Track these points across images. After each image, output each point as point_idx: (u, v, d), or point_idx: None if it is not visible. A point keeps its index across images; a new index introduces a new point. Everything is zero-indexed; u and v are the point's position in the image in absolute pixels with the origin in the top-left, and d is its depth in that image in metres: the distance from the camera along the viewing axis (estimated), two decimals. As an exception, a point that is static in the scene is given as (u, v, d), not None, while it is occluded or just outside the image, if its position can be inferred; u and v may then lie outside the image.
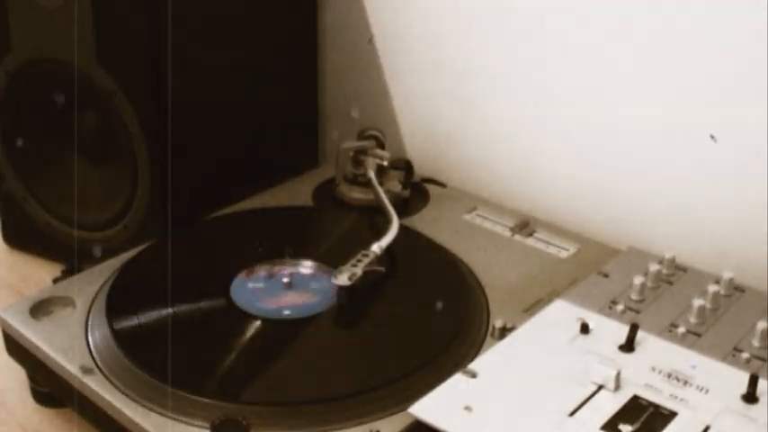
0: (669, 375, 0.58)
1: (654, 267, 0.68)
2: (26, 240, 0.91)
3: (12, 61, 0.82)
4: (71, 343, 0.65)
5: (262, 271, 0.73)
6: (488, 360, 0.60)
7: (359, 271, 0.68)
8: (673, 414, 0.55)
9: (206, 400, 0.58)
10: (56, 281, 0.74)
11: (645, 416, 0.54)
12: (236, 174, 0.88)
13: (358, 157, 0.86)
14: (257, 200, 0.86)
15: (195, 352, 0.64)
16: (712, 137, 0.73)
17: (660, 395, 0.56)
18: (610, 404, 0.55)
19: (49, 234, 0.88)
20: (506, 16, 0.84)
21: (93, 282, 0.72)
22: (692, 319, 0.64)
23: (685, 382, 0.57)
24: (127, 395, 0.60)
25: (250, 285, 0.71)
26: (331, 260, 0.73)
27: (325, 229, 0.82)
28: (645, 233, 0.80)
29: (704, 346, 0.61)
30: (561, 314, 0.65)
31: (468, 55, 0.88)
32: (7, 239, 0.93)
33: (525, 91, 0.85)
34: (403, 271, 0.74)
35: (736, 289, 0.68)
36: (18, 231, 0.91)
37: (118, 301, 0.68)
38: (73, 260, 0.77)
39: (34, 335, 0.66)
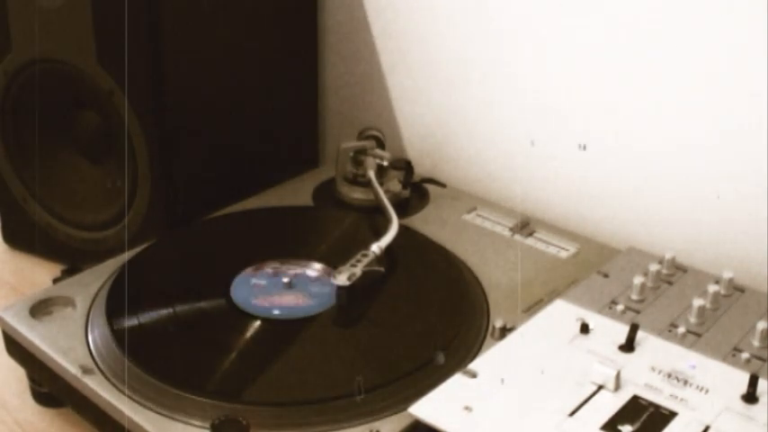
0: (669, 375, 0.58)
1: (654, 267, 0.68)
2: (26, 240, 0.91)
3: (12, 61, 0.82)
4: (71, 343, 0.65)
5: (268, 268, 0.73)
6: (488, 360, 0.60)
7: (358, 271, 0.68)
8: (673, 414, 0.55)
9: (206, 400, 0.58)
10: (56, 281, 0.74)
11: (645, 416, 0.54)
12: (237, 174, 0.88)
13: (358, 157, 0.86)
14: (257, 200, 0.86)
15: (195, 352, 0.64)
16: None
17: (660, 395, 0.56)
18: (610, 404, 0.55)
19: (49, 234, 0.88)
20: (507, 17, 0.84)
21: (93, 282, 0.72)
22: (692, 319, 0.64)
23: (685, 382, 0.57)
24: (127, 395, 0.60)
25: (253, 281, 0.71)
26: (331, 260, 0.73)
27: (326, 229, 0.82)
28: (645, 233, 0.80)
29: (704, 346, 0.61)
30: (561, 314, 0.65)
31: (468, 55, 0.88)
32: (7, 239, 0.93)
33: (525, 91, 0.85)
34: (403, 271, 0.74)
35: (736, 289, 0.68)
36: (18, 231, 0.91)
37: (118, 301, 0.68)
38: (73, 260, 0.77)
39: (34, 335, 0.66)
